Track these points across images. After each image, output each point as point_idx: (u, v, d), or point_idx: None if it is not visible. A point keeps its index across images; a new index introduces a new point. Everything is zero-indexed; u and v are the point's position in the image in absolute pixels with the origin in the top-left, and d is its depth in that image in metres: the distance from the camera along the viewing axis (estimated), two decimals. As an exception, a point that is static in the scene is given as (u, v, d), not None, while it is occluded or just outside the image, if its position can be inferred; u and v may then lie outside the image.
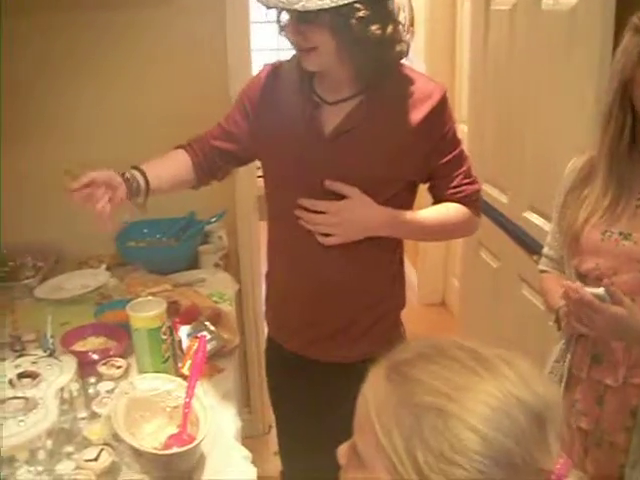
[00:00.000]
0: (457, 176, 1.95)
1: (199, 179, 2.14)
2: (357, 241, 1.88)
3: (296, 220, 1.90)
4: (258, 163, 2.14)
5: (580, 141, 2.23)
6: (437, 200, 2.01)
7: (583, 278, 1.78)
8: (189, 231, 2.84)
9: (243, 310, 3.11)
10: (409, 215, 1.93)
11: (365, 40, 1.73)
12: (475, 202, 2.02)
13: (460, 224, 2.01)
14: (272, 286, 2.17)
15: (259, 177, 2.91)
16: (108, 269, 2.71)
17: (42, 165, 2.97)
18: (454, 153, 1.93)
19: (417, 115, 1.85)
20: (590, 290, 1.62)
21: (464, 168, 1.97)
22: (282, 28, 1.86)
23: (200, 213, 2.91)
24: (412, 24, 1.85)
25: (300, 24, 1.73)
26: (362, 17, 1.70)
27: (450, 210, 1.97)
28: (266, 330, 2.27)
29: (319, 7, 1.64)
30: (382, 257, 2.00)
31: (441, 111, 1.88)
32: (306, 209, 1.87)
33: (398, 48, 1.82)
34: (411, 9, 1.85)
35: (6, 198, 3.00)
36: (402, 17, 1.83)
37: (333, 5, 1.65)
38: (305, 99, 1.91)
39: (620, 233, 1.73)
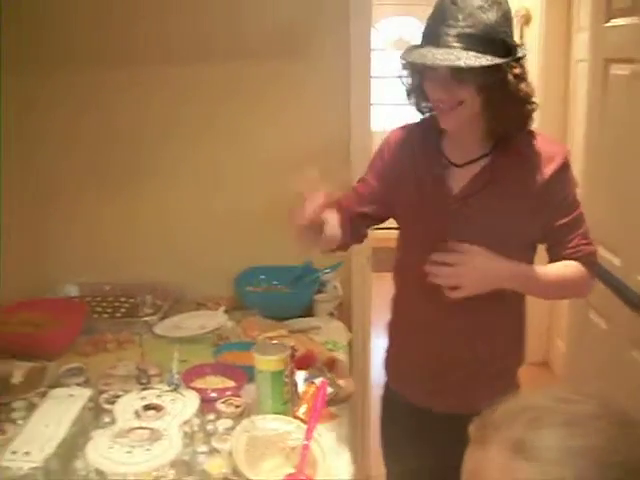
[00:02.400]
0: (575, 237, 1.96)
1: (344, 242, 2.13)
2: (481, 297, 1.88)
3: (422, 277, 1.91)
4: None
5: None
6: (554, 260, 2.01)
7: None
8: (305, 279, 2.90)
9: (353, 359, 3.15)
10: (532, 269, 1.93)
11: (513, 96, 1.79)
12: (591, 263, 2.01)
13: (577, 282, 2.00)
14: (394, 337, 2.21)
15: (375, 229, 2.98)
16: (226, 312, 2.79)
17: (167, 208, 3.10)
18: (574, 215, 1.95)
19: (540, 177, 1.89)
20: None
21: (582, 230, 1.98)
22: (412, 88, 1.92)
23: (317, 262, 2.97)
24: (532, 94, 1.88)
25: (449, 80, 1.77)
26: (517, 74, 1.78)
27: (568, 267, 1.96)
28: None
29: (480, 64, 1.70)
30: (506, 313, 2.03)
31: (564, 174, 1.91)
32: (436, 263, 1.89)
33: (531, 107, 1.87)
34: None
35: (130, 237, 3.14)
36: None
37: (491, 63, 1.71)
38: (434, 161, 1.97)
39: None
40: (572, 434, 0.90)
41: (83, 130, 3.05)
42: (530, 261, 1.99)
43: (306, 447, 1.74)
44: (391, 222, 2.15)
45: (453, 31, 1.72)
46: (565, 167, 1.92)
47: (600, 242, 3.00)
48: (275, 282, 2.99)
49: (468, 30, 1.71)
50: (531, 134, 1.95)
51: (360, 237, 2.22)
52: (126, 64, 2.94)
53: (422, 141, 2.02)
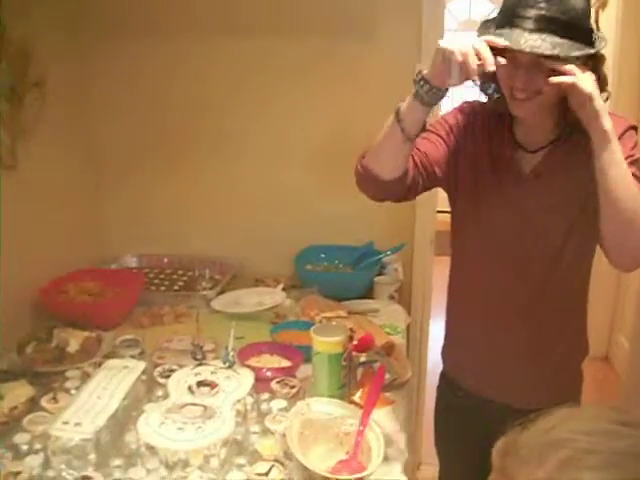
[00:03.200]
0: None
1: (404, 180, 1.89)
2: (547, 293, 1.87)
3: (482, 260, 1.90)
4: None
5: None
6: None
7: None
8: (366, 260, 2.86)
9: (410, 344, 3.10)
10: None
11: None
12: None
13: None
14: (452, 323, 2.15)
15: (439, 212, 2.90)
16: (284, 289, 2.75)
17: (229, 182, 3.07)
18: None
19: None
20: None
21: None
22: (487, 77, 1.83)
23: (378, 244, 2.92)
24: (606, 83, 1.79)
25: (530, 68, 1.68)
26: (600, 65, 1.72)
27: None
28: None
29: (576, 54, 1.63)
30: (571, 310, 1.98)
31: (621, 139, 1.77)
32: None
33: (606, 94, 1.77)
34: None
35: (191, 210, 3.13)
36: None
37: (585, 53, 1.65)
38: (505, 142, 1.90)
39: None
40: (611, 479, 0.80)
41: (147, 100, 3.04)
42: (591, 244, 1.87)
43: (360, 433, 1.70)
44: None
45: (542, 14, 1.62)
46: (623, 134, 1.79)
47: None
48: (336, 262, 2.95)
49: (558, 15, 1.62)
50: None
51: (415, 188, 1.96)
52: (188, 34, 2.92)
53: (492, 120, 1.94)
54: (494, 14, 1.79)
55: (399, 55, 2.88)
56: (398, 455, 1.83)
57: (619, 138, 1.73)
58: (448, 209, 2.08)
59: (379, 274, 2.86)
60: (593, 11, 4.69)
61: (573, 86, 1.61)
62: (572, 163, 1.83)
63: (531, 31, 1.62)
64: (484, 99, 1.96)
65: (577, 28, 1.64)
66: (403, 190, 1.90)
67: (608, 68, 1.79)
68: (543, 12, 1.62)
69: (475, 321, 2.04)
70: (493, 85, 1.84)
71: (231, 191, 3.10)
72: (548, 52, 1.60)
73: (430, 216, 3.04)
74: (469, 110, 2.01)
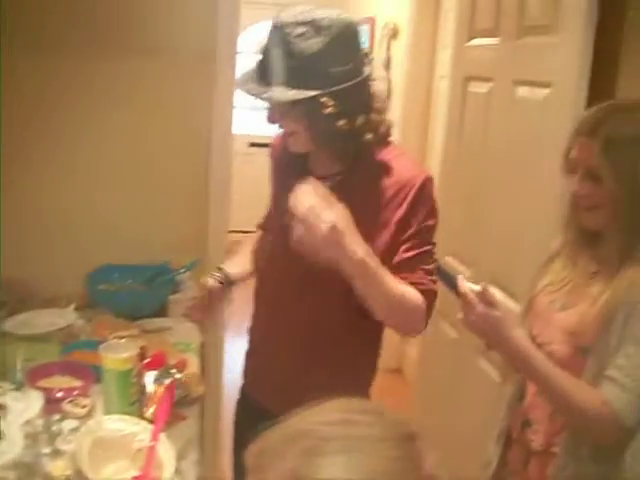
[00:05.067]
0: (418, 271, 1.87)
1: None
2: (322, 308, 1.94)
3: (278, 276, 1.98)
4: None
5: (547, 225, 2.33)
6: None
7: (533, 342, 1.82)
8: (160, 278, 2.88)
9: (205, 361, 3.13)
10: (380, 264, 1.78)
11: (334, 132, 1.80)
12: (430, 300, 1.88)
13: (411, 307, 1.84)
14: (252, 341, 2.22)
15: (230, 232, 2.97)
16: (77, 309, 2.72)
17: (19, 203, 2.99)
18: (423, 249, 1.88)
19: (392, 201, 1.87)
20: (470, 285, 1.70)
21: (428, 267, 1.88)
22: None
23: (174, 262, 2.94)
24: (389, 96, 1.92)
25: (277, 112, 1.82)
26: (330, 113, 1.76)
27: (411, 290, 1.84)
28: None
29: (280, 99, 1.75)
30: (360, 321, 1.96)
31: (416, 201, 1.86)
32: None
33: (368, 137, 1.85)
34: (389, 81, 1.93)
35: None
36: (379, 89, 1.90)
37: (292, 98, 1.73)
38: (297, 172, 1.93)
39: (562, 304, 1.82)
40: (352, 462, 0.85)
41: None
42: None
43: (152, 449, 1.72)
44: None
45: (271, 62, 1.76)
46: (417, 196, 1.86)
47: (452, 253, 3.13)
48: (129, 281, 2.93)
49: (284, 62, 1.74)
50: (389, 160, 1.91)
51: None
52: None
53: (288, 152, 2.00)
54: None
55: (196, 73, 2.95)
56: (190, 469, 1.87)
57: (412, 208, 1.84)
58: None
59: (174, 292, 2.88)
60: (385, 39, 4.94)
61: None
62: (356, 198, 1.82)
63: (264, 79, 1.78)
64: None
65: (309, 72, 1.75)
66: None
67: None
68: (274, 61, 1.76)
69: (270, 337, 2.11)
70: None
71: (21, 211, 3.02)
72: (256, 95, 1.77)
73: (222, 234, 3.09)
74: (276, 144, 2.12)
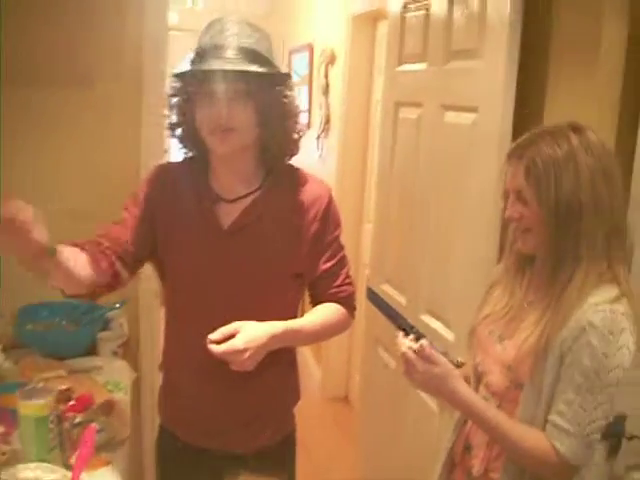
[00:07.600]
0: (340, 276, 2.07)
1: (99, 284, 1.90)
2: None
3: (192, 314, 1.97)
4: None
5: (478, 249, 2.32)
6: (316, 298, 2.10)
7: (475, 371, 1.90)
8: (89, 316, 2.80)
9: (141, 399, 3.06)
10: (300, 324, 1.99)
11: (280, 107, 1.89)
12: (353, 303, 2.13)
13: (340, 325, 2.11)
14: (165, 373, 2.16)
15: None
16: (4, 350, 2.63)
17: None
18: (339, 256, 2.07)
19: (306, 216, 1.97)
20: (409, 344, 1.76)
21: (346, 269, 2.10)
22: (183, 116, 1.92)
23: (103, 299, 2.87)
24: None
25: (227, 101, 1.80)
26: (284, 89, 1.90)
27: (330, 311, 2.07)
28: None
29: (256, 70, 1.80)
30: (278, 356, 1.97)
31: (327, 214, 2.00)
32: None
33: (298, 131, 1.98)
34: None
35: None
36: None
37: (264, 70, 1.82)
38: (202, 196, 1.96)
39: (499, 336, 1.82)
40: None
41: None
42: (299, 291, 2.06)
43: (69, 497, 1.66)
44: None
45: (228, 43, 1.80)
46: (328, 208, 2.01)
47: (387, 279, 3.10)
48: (57, 319, 2.85)
49: (239, 42, 1.81)
50: (297, 172, 2.04)
51: (120, 280, 1.97)
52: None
53: (188, 177, 2.00)
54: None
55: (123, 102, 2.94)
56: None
57: (324, 222, 1.99)
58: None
59: (103, 330, 2.81)
60: (323, 65, 4.95)
61: None
62: (275, 215, 1.94)
63: (224, 58, 1.80)
64: (180, 157, 2.04)
65: (258, 54, 1.84)
66: (106, 288, 1.95)
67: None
68: (232, 42, 1.82)
69: (184, 370, 2.05)
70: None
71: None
72: (232, 67, 1.79)
73: (153, 270, 3.03)
74: (158, 173, 2.07)
